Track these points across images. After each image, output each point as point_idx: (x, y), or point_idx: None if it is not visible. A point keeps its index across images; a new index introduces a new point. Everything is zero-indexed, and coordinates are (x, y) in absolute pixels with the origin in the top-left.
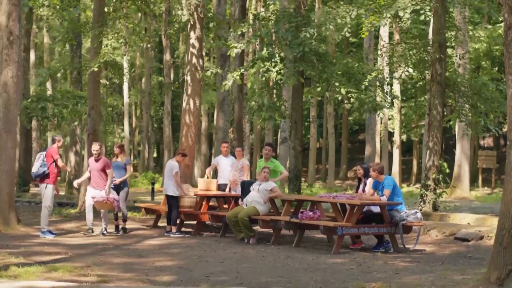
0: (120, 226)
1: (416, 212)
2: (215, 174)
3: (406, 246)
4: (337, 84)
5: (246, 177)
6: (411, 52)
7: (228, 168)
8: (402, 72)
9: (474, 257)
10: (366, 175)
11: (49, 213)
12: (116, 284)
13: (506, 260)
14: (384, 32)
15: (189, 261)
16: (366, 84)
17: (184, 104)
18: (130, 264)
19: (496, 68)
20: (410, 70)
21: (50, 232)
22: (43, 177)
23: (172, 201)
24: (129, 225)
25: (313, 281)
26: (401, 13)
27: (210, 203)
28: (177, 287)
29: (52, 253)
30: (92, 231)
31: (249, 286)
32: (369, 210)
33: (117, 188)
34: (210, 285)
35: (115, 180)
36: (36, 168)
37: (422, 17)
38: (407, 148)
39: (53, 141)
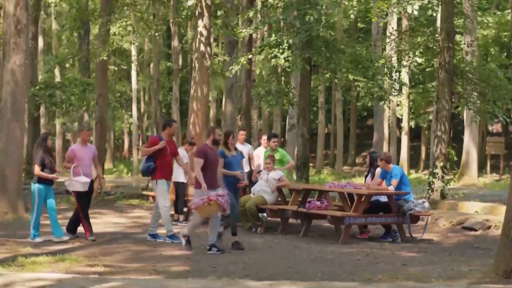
0: (234, 240)
1: (424, 201)
2: None
3: (414, 235)
4: (344, 70)
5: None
6: (419, 39)
7: (246, 156)
8: (411, 62)
9: (482, 247)
10: (373, 163)
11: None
12: (123, 276)
13: None
14: (392, 18)
15: (196, 251)
16: (374, 71)
17: (192, 92)
18: (138, 254)
19: (505, 54)
20: (418, 60)
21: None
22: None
23: (181, 188)
24: (136, 213)
25: (320, 272)
26: (409, 10)
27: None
28: (185, 279)
29: (59, 242)
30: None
31: (256, 277)
32: (377, 199)
33: (234, 192)
34: (217, 276)
35: (241, 182)
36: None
37: (430, 12)
38: (415, 134)
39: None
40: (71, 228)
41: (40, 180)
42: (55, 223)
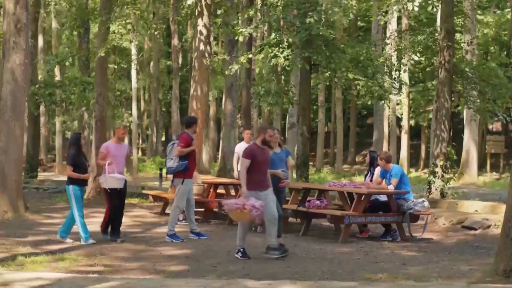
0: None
1: (424, 200)
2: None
3: (414, 234)
4: (343, 69)
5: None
6: (419, 36)
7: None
8: (408, 60)
9: (481, 246)
10: (372, 163)
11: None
12: (123, 275)
13: None
14: (392, 16)
15: (196, 250)
16: (373, 70)
17: (191, 91)
18: (138, 253)
19: (505, 53)
20: (416, 57)
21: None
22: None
23: None
24: (136, 212)
25: (319, 272)
26: (409, 7)
27: (218, 191)
28: (185, 279)
29: (59, 242)
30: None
31: (256, 277)
32: (377, 198)
33: (278, 191)
34: (217, 276)
35: (283, 181)
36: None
37: (430, 8)
38: (415, 133)
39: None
40: (104, 230)
41: (73, 181)
42: (66, 224)
